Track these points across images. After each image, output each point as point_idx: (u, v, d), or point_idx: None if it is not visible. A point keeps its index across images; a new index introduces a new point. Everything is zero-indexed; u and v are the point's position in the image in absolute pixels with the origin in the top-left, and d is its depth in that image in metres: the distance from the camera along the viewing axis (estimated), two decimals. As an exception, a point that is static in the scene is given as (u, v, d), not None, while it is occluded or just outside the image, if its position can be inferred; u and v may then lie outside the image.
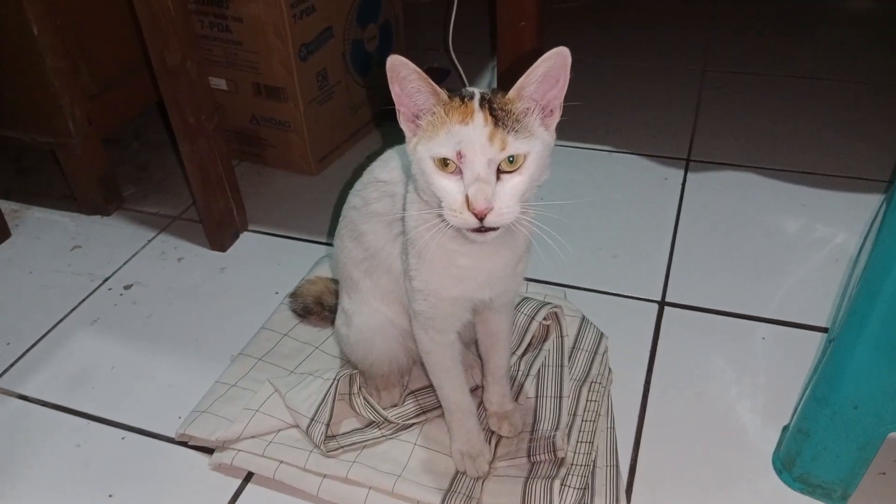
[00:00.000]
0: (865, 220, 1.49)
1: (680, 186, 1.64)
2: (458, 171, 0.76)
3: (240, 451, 1.06)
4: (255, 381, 1.16)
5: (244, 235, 1.57)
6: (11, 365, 1.28)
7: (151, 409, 1.18)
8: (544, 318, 1.21)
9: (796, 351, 1.21)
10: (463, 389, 1.01)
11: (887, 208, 0.88)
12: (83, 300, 1.42)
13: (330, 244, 1.49)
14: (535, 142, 0.77)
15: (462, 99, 0.76)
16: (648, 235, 1.50)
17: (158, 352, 1.29)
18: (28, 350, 1.31)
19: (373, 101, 1.88)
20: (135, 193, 1.73)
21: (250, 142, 1.78)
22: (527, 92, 0.77)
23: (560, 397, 1.10)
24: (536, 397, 1.11)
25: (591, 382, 1.13)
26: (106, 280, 1.47)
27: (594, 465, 1.02)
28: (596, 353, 1.19)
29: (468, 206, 0.74)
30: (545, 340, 1.20)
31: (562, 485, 0.97)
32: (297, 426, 1.08)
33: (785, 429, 1.06)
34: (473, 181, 0.74)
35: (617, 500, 0.98)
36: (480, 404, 1.09)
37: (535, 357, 1.17)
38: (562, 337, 1.20)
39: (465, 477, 1.01)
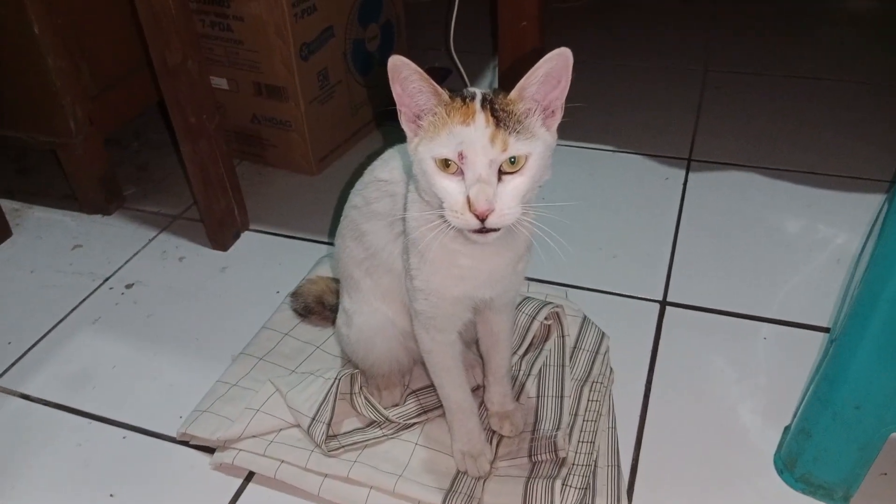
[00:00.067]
0: (867, 221, 1.49)
1: (681, 186, 1.64)
2: (460, 172, 0.76)
3: (241, 450, 1.06)
4: (257, 381, 1.16)
5: (245, 235, 1.57)
6: (13, 364, 1.28)
7: (152, 409, 1.18)
8: (545, 318, 1.21)
9: (798, 351, 1.21)
10: (464, 389, 1.01)
11: (889, 208, 0.88)
12: (84, 299, 1.42)
13: (331, 244, 1.49)
14: (537, 143, 0.77)
15: (463, 99, 0.76)
16: (650, 235, 1.50)
17: (159, 351, 1.29)
18: (29, 349, 1.31)
19: (374, 100, 1.88)
20: (136, 193, 1.73)
21: (251, 141, 1.77)
22: (528, 93, 0.77)
23: (561, 397, 1.10)
24: (538, 397, 1.11)
25: (593, 382, 1.13)
26: (107, 279, 1.47)
27: (595, 465, 1.02)
28: (597, 352, 1.19)
29: (469, 207, 0.74)
30: (546, 340, 1.20)
31: (563, 485, 0.97)
32: (298, 426, 1.08)
33: (786, 429, 1.06)
34: (475, 182, 0.74)
35: (618, 500, 0.98)
36: (482, 404, 1.09)
37: (537, 357, 1.17)
38: (563, 337, 1.20)
39: (466, 477, 1.01)
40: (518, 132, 0.75)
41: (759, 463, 1.04)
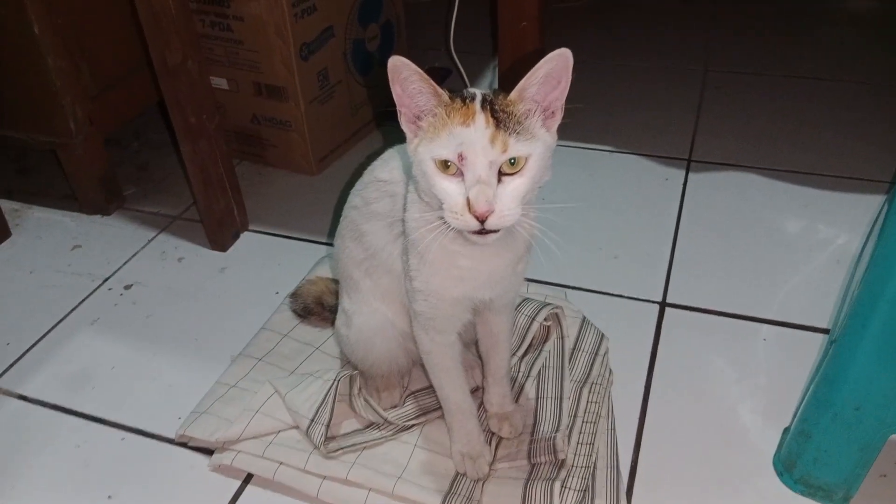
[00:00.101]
0: (867, 221, 1.49)
1: (681, 187, 1.64)
2: (460, 173, 0.76)
3: (240, 452, 1.06)
4: (256, 382, 1.16)
5: (245, 235, 1.57)
6: (11, 365, 1.28)
7: (151, 410, 1.18)
8: (545, 319, 1.21)
9: (797, 352, 1.21)
10: (463, 390, 1.01)
11: (889, 209, 0.88)
12: (83, 300, 1.42)
13: (330, 244, 1.49)
14: (537, 144, 0.77)
15: (463, 100, 0.76)
16: (649, 236, 1.50)
17: (158, 352, 1.29)
18: (28, 350, 1.31)
19: (374, 100, 1.88)
20: (135, 193, 1.72)
21: (251, 141, 1.77)
22: (528, 93, 0.76)
23: (560, 399, 1.10)
24: (537, 399, 1.11)
25: (592, 384, 1.13)
26: (106, 280, 1.47)
27: (595, 467, 1.02)
28: (596, 354, 1.19)
29: (469, 208, 0.74)
30: (546, 341, 1.20)
31: (562, 486, 0.97)
32: (297, 427, 1.07)
33: (786, 430, 1.06)
34: (475, 183, 0.74)
35: (617, 502, 0.98)
36: (481, 405, 1.09)
37: (536, 358, 1.17)
38: (562, 338, 1.20)
39: (465, 478, 1.00)
40: (518, 133, 0.75)
41: (759, 464, 1.04)
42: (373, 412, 1.08)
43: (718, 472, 1.03)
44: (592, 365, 1.17)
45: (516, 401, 1.10)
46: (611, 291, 1.36)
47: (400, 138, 0.84)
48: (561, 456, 1.01)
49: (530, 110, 0.77)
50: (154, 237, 1.58)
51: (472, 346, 1.12)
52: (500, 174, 0.76)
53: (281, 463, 1.04)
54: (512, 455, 1.04)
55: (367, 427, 1.09)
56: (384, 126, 1.91)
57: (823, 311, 1.29)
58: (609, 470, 1.02)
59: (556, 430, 1.04)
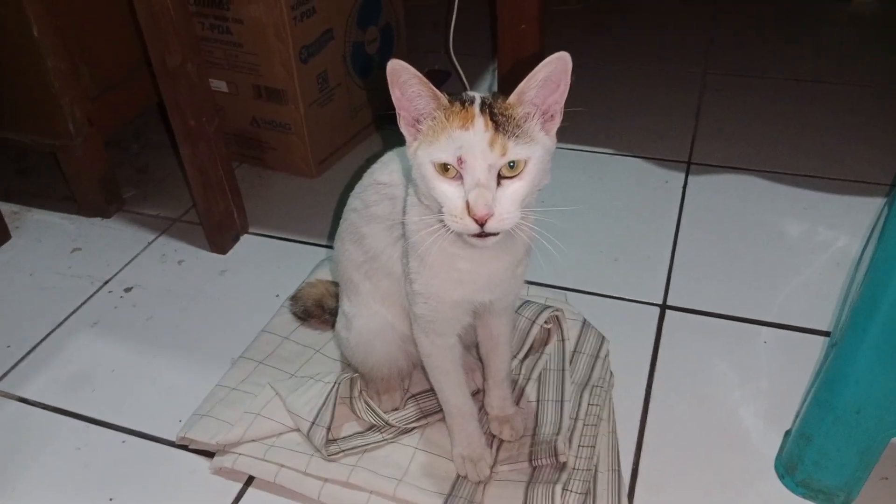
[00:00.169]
0: (867, 224, 1.49)
1: (681, 189, 1.64)
2: (459, 177, 0.76)
3: (240, 454, 1.06)
4: (256, 385, 1.16)
5: (244, 238, 1.57)
6: (12, 368, 1.28)
7: (152, 413, 1.18)
8: (545, 322, 1.21)
9: (798, 355, 1.21)
10: (464, 393, 1.01)
11: (889, 212, 0.88)
12: (83, 303, 1.42)
13: (330, 247, 1.49)
14: (536, 147, 0.77)
15: (462, 104, 0.76)
16: (650, 239, 1.50)
17: (158, 355, 1.29)
18: (28, 353, 1.31)
19: (373, 103, 1.88)
20: (135, 195, 1.72)
21: (251, 144, 1.77)
22: (527, 97, 0.77)
23: (561, 401, 1.10)
24: (538, 401, 1.11)
25: (593, 386, 1.13)
26: (106, 282, 1.47)
27: (596, 470, 1.01)
28: (597, 356, 1.19)
29: (469, 211, 0.74)
30: (546, 344, 1.20)
31: (563, 489, 0.97)
32: (297, 430, 1.07)
33: (787, 433, 1.06)
34: (474, 187, 0.74)
35: (618, 505, 0.98)
36: (481, 408, 1.09)
37: (537, 361, 1.17)
38: (563, 340, 1.20)
39: (466, 481, 1.00)
40: (517, 136, 0.75)
41: (760, 467, 1.04)
42: (373, 415, 1.08)
43: (720, 474, 1.03)
44: (593, 368, 1.17)
45: (517, 403, 1.10)
46: (611, 294, 1.36)
47: (399, 141, 0.83)
48: (562, 459, 1.01)
49: (529, 114, 0.77)
50: (154, 240, 1.58)
51: (473, 348, 1.12)
52: (500, 177, 0.76)
53: (282, 466, 1.04)
54: (513, 458, 1.04)
55: (368, 430, 1.08)
56: (384, 129, 1.91)
57: (824, 313, 1.29)
58: (610, 473, 1.02)
59: (558, 433, 1.04)
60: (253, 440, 1.07)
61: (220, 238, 1.52)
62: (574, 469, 1.00)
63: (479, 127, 0.74)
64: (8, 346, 1.32)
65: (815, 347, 1.22)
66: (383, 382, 1.11)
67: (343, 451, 1.04)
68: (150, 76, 1.47)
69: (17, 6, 1.40)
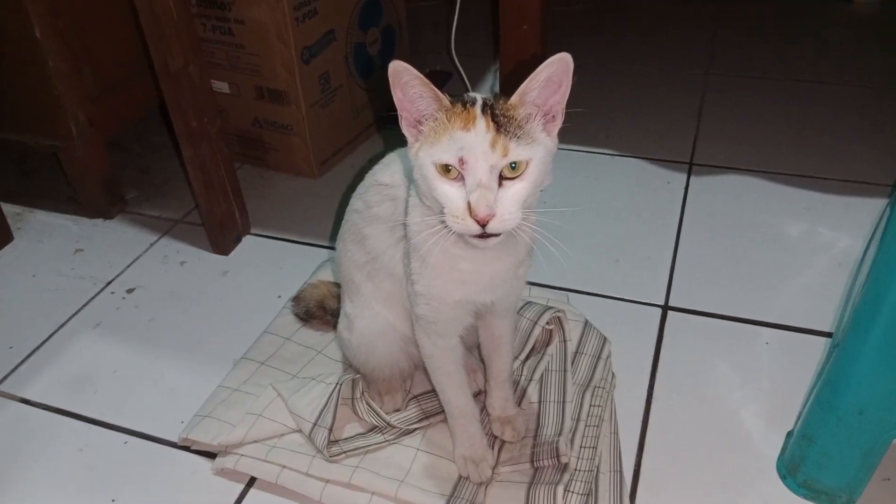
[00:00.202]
0: (869, 225, 1.49)
1: (683, 190, 1.64)
2: (461, 178, 0.76)
3: (242, 455, 1.06)
4: (258, 386, 1.16)
5: (246, 239, 1.57)
6: (14, 369, 1.28)
7: (154, 413, 1.18)
8: (547, 323, 1.21)
9: (800, 356, 1.21)
10: (465, 394, 1.01)
11: (891, 213, 0.88)
12: (86, 304, 1.42)
13: (332, 248, 1.49)
14: (538, 148, 0.77)
15: (464, 105, 0.76)
16: (651, 239, 1.50)
17: (161, 356, 1.29)
18: (30, 354, 1.31)
19: (375, 104, 1.88)
20: (137, 197, 1.73)
21: (252, 145, 1.78)
22: (529, 98, 0.77)
23: (563, 402, 1.10)
24: (539, 402, 1.11)
25: (595, 387, 1.13)
26: (108, 284, 1.47)
27: (598, 471, 1.01)
28: (599, 357, 1.19)
29: (470, 212, 0.74)
30: (548, 345, 1.20)
31: (565, 490, 0.97)
32: (299, 431, 1.07)
33: (789, 434, 1.06)
34: (475, 188, 0.74)
35: (620, 506, 0.98)
36: (483, 409, 1.09)
37: (538, 362, 1.17)
38: (565, 341, 1.20)
39: (468, 482, 1.00)
40: (519, 137, 0.75)
41: (762, 468, 1.04)
42: (375, 416, 1.08)
43: (721, 475, 1.03)
44: (595, 368, 1.17)
45: (519, 404, 1.10)
46: (613, 295, 1.36)
47: (401, 142, 0.84)
48: (564, 460, 1.01)
49: (531, 114, 0.77)
50: (156, 241, 1.58)
51: (475, 349, 1.12)
52: (501, 178, 0.76)
53: (284, 467, 1.04)
54: (515, 459, 1.04)
55: (370, 431, 1.08)
56: (385, 130, 1.91)
57: (826, 314, 1.29)
58: (612, 474, 1.02)
59: (559, 434, 1.04)
60: (255, 441, 1.07)
61: (221, 239, 1.52)
62: (576, 470, 1.00)
63: (481, 128, 0.74)
64: (10, 347, 1.32)
65: (817, 348, 1.22)
66: (385, 383, 1.11)
67: (345, 452, 1.04)
68: (152, 78, 1.47)
69: (19, 7, 1.40)
